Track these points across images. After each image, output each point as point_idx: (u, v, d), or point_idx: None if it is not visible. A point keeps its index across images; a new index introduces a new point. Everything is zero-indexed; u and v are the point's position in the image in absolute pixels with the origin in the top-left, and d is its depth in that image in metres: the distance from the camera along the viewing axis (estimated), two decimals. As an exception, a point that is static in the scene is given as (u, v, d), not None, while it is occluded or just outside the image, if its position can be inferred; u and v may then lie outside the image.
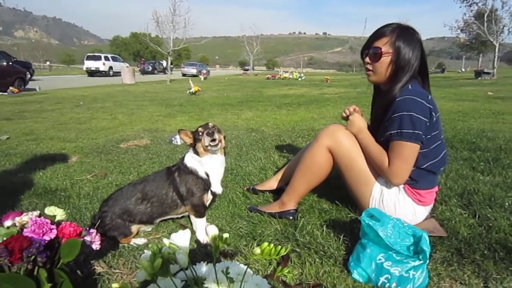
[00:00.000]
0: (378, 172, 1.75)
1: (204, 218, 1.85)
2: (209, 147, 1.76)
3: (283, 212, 1.99)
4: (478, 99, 8.34)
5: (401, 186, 1.74)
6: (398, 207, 1.74)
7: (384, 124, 1.69)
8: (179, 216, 1.95)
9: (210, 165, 1.83)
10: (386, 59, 1.70)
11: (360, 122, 1.81)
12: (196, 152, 1.83)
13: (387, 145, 1.68)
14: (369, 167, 1.79)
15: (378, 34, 1.73)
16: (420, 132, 1.58)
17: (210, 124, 1.81)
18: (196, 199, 1.81)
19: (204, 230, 1.81)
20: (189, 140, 1.84)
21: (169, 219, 1.97)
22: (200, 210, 1.83)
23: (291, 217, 1.97)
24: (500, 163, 2.81)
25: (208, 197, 1.86)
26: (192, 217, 1.84)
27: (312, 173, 1.92)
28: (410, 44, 1.67)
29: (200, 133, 1.77)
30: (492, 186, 2.30)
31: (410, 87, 1.65)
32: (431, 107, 1.63)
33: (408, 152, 1.62)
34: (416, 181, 1.72)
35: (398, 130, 1.60)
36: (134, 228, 1.79)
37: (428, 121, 1.61)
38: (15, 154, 3.58)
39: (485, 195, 2.14)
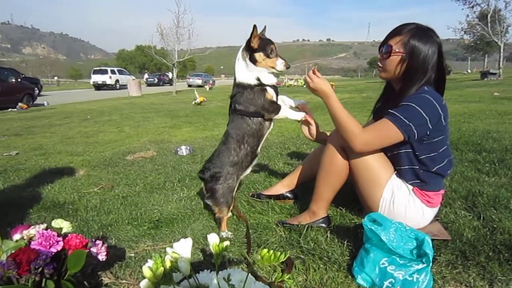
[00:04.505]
0: (343, 136, 1.72)
1: (284, 108, 1.99)
2: (273, 69, 1.90)
3: (315, 222, 1.95)
4: (484, 100, 8.29)
5: (411, 188, 1.74)
6: (408, 209, 1.74)
7: None
8: (271, 130, 2.09)
9: (260, 71, 1.92)
10: (395, 58, 1.69)
11: (324, 85, 1.77)
12: (252, 58, 1.89)
13: (395, 145, 1.67)
14: (381, 168, 1.77)
15: (394, 32, 1.72)
16: (413, 128, 1.56)
17: (274, 46, 1.91)
18: (265, 104, 1.93)
19: (292, 112, 2.01)
20: (254, 42, 1.86)
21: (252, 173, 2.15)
22: (275, 108, 1.96)
23: (324, 225, 1.94)
24: (506, 164, 2.79)
25: (271, 94, 1.95)
26: (276, 116, 1.99)
27: (333, 176, 1.88)
28: (425, 45, 1.63)
29: (271, 51, 1.88)
30: (497, 187, 2.29)
31: (426, 88, 1.64)
32: (442, 113, 1.61)
33: (389, 135, 1.61)
34: (425, 183, 1.72)
35: (397, 114, 1.58)
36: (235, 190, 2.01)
37: (433, 126, 1.59)
38: (24, 169, 3.64)
39: (489, 196, 2.13)
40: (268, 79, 1.95)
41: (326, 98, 1.76)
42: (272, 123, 2.06)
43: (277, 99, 2.01)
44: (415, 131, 1.58)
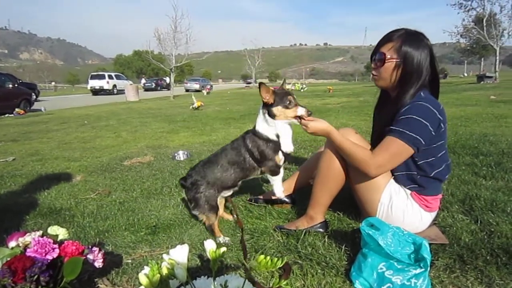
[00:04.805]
0: (355, 166, 1.72)
1: (280, 175, 2.06)
2: (296, 119, 1.89)
3: (313, 227, 1.95)
4: (481, 104, 8.33)
5: (409, 192, 1.73)
6: (406, 214, 1.73)
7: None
8: (259, 175, 2.16)
9: (281, 127, 1.96)
10: (390, 65, 1.69)
11: (321, 125, 1.77)
12: (270, 113, 1.92)
13: None
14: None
15: (385, 39, 1.73)
16: (421, 140, 1.57)
17: (292, 97, 1.91)
18: (269, 162, 2.00)
19: (281, 185, 2.08)
20: (267, 98, 1.90)
21: (250, 180, 2.20)
22: (275, 170, 2.04)
23: (321, 230, 1.94)
24: (503, 167, 2.80)
25: (280, 158, 2.01)
26: (269, 176, 2.07)
27: (331, 180, 1.88)
28: (417, 49, 1.64)
29: (289, 102, 1.88)
30: (494, 190, 2.30)
31: (422, 94, 1.64)
32: (441, 118, 1.61)
33: (399, 152, 1.61)
34: (423, 187, 1.72)
35: (401, 129, 1.58)
36: (219, 200, 2.06)
37: (435, 132, 1.60)
38: (20, 175, 3.63)
39: (487, 200, 2.13)
40: (287, 147, 2.00)
41: (328, 135, 1.77)
42: (261, 173, 2.13)
43: (282, 164, 2.08)
44: (423, 142, 1.58)
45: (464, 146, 3.63)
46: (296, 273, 1.55)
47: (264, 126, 1.98)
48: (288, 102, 1.89)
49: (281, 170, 2.07)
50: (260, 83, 1.89)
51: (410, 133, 1.57)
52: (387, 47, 1.70)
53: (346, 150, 1.71)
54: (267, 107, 1.93)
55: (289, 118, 1.92)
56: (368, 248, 1.48)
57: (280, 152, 2.00)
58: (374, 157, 1.64)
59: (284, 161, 2.08)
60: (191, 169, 2.16)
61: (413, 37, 1.68)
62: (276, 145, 1.98)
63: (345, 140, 1.72)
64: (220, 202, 2.12)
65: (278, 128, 1.96)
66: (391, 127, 1.62)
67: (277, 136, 1.98)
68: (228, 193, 2.14)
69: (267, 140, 1.98)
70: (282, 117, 1.92)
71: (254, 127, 2.03)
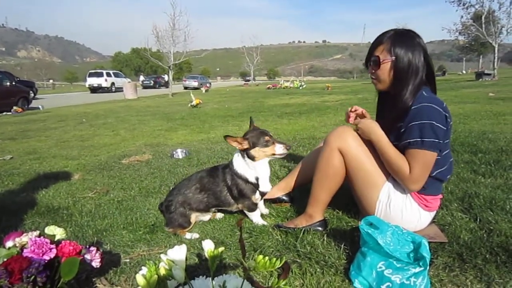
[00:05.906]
0: (395, 178, 1.71)
1: (257, 211, 2.10)
2: (276, 155, 1.98)
3: (312, 225, 1.94)
4: (479, 101, 8.33)
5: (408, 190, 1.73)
6: (405, 212, 1.73)
7: (398, 131, 1.67)
8: (234, 210, 2.16)
9: (261, 169, 2.02)
10: (385, 66, 1.70)
11: (373, 125, 1.75)
12: (250, 156, 1.97)
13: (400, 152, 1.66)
14: (377, 171, 1.76)
15: (376, 42, 1.75)
16: (441, 141, 1.58)
17: (268, 135, 1.97)
18: (246, 200, 2.04)
19: (259, 217, 2.11)
20: (240, 146, 1.95)
21: (225, 210, 2.22)
22: (251, 207, 2.07)
23: (320, 228, 1.93)
24: (502, 165, 2.80)
25: (257, 197, 2.05)
26: (247, 213, 2.10)
27: (330, 178, 1.87)
28: (408, 47, 1.65)
29: (266, 141, 1.94)
30: (493, 188, 2.29)
31: (424, 94, 1.64)
32: (447, 115, 1.61)
33: (428, 160, 1.60)
34: (424, 188, 1.70)
35: (419, 139, 1.57)
36: (193, 218, 2.06)
37: (446, 129, 1.61)
38: (18, 174, 3.61)
39: (486, 198, 2.13)
40: (265, 187, 2.06)
41: (374, 131, 1.73)
42: (236, 209, 2.14)
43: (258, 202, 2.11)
44: (441, 142, 1.58)
45: (463, 143, 3.62)
46: (295, 272, 1.55)
47: (244, 168, 2.02)
48: (265, 142, 1.94)
49: (257, 208, 2.12)
50: (225, 137, 1.92)
51: (429, 139, 1.56)
52: (379, 50, 1.72)
53: (390, 157, 1.68)
54: (245, 151, 1.98)
55: (269, 156, 1.99)
56: (367, 247, 1.47)
57: (257, 192, 2.04)
58: (410, 174, 1.62)
59: (261, 199, 2.12)
60: (173, 188, 2.23)
61: (402, 36, 1.69)
62: (254, 186, 2.03)
63: (392, 146, 1.69)
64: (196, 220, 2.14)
65: (258, 170, 2.01)
66: (408, 140, 1.61)
67: (256, 179, 2.02)
68: (202, 216, 2.16)
69: (246, 180, 2.02)
70: (262, 157, 1.99)
71: (233, 165, 2.05)
